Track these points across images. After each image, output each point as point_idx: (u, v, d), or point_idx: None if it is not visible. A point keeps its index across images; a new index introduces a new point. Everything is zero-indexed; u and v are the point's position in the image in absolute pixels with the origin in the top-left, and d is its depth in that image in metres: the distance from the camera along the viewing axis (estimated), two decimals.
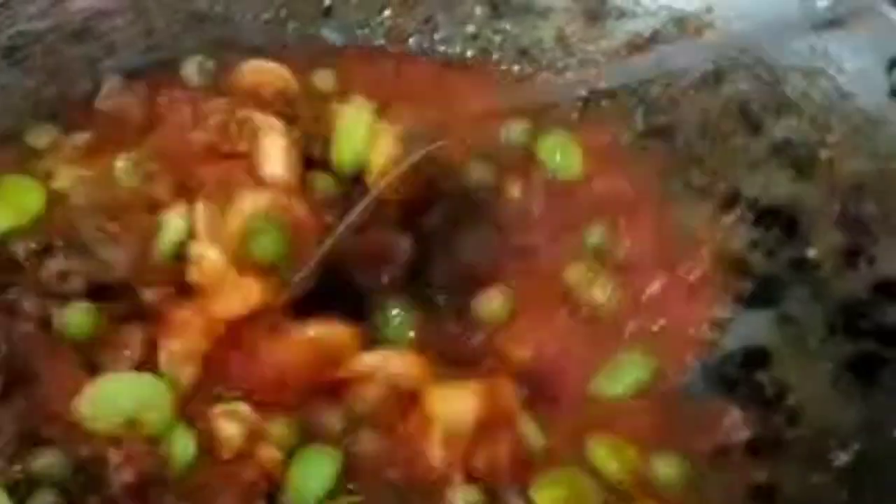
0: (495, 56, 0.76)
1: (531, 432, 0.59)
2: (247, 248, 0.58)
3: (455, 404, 0.58)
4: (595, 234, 0.68)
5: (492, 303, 0.65)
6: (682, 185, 0.70)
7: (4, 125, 0.65)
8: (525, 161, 0.71)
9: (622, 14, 0.73)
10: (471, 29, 0.76)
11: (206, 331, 0.58)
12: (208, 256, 0.58)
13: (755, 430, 0.62)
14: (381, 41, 0.76)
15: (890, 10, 0.64)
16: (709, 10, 0.70)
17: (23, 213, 0.61)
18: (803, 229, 0.66)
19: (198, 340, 0.58)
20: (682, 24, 0.71)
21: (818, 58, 0.66)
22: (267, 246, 0.58)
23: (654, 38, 0.72)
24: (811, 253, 0.65)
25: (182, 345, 0.58)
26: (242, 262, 0.58)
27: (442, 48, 0.76)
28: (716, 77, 0.70)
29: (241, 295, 0.58)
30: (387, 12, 0.76)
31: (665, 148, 0.72)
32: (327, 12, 0.75)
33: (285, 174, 0.60)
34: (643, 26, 0.72)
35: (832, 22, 0.66)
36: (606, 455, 0.59)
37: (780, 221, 0.67)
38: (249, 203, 0.58)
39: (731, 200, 0.69)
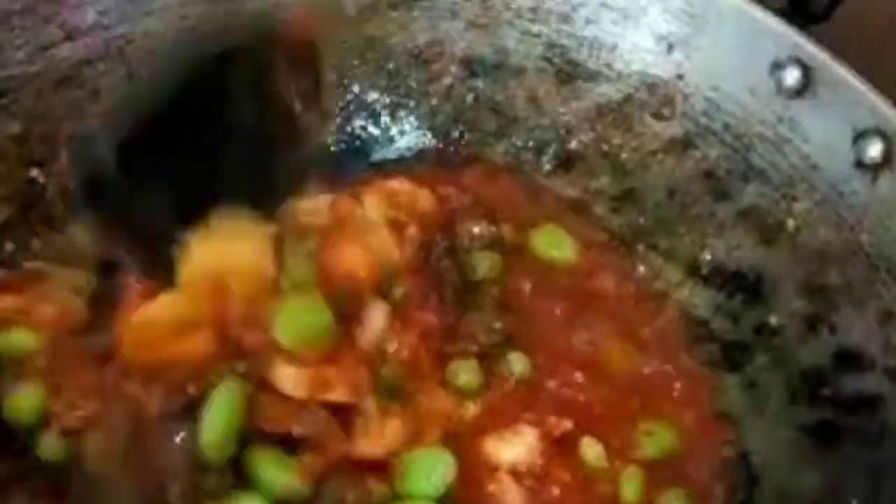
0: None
1: None
2: None
3: None
4: None
5: None
6: (647, 247, 0.72)
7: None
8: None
9: (593, 77, 0.75)
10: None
11: None
12: None
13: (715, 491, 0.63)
14: None
15: (856, 83, 0.65)
16: (680, 76, 0.72)
17: None
18: (767, 295, 0.67)
19: None
20: (654, 90, 0.73)
21: (786, 127, 0.67)
22: None
23: (625, 102, 0.74)
24: (774, 319, 0.66)
25: None
26: None
27: None
28: (684, 143, 0.72)
29: None
30: None
31: (634, 210, 0.73)
32: None
33: None
34: (614, 90, 0.74)
35: (799, 92, 0.67)
36: None
37: (744, 287, 0.68)
38: None
39: (696, 264, 0.70)
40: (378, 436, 0.59)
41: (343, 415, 0.59)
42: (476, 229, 0.71)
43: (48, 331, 0.61)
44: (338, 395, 0.58)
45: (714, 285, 0.69)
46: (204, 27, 0.72)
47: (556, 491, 0.61)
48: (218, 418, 0.55)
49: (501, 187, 0.75)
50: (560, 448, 0.62)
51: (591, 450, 0.62)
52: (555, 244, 0.71)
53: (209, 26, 0.72)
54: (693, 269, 0.70)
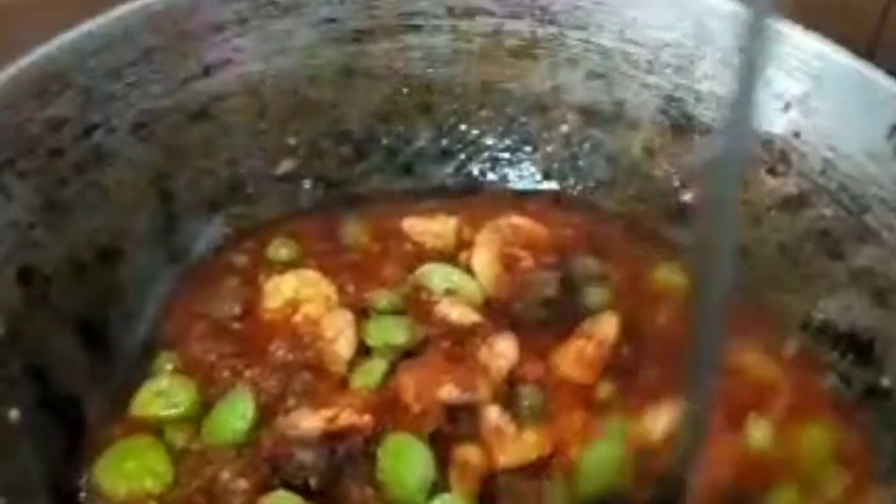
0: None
1: None
2: None
3: None
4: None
5: None
6: (760, 304, 0.72)
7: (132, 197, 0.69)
8: None
9: (708, 130, 0.76)
10: None
11: None
12: None
13: None
14: None
15: None
16: (796, 134, 0.73)
17: None
18: (879, 358, 0.67)
19: None
20: (769, 146, 0.73)
21: None
22: None
23: None
24: (885, 381, 0.67)
25: None
26: None
27: None
28: (799, 200, 0.72)
29: None
30: None
31: (745, 263, 0.74)
32: None
33: None
34: None
35: None
36: None
37: (856, 347, 0.68)
38: None
39: (807, 321, 0.71)
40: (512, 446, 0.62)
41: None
42: (588, 263, 0.73)
43: None
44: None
45: (826, 344, 0.70)
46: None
47: None
48: None
49: (614, 230, 0.77)
50: None
51: None
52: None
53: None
54: (805, 326, 0.70)
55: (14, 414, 0.58)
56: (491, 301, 0.71)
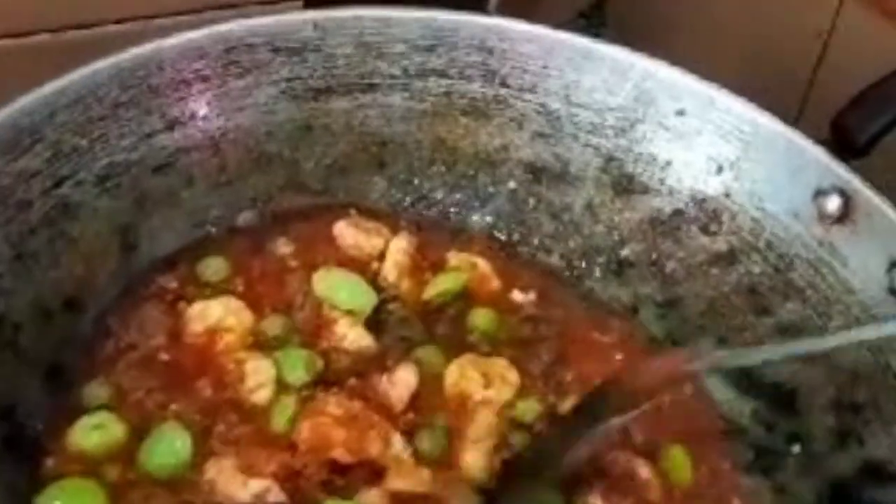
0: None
1: None
2: None
3: None
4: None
5: None
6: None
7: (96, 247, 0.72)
8: None
9: (646, 190, 0.80)
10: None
11: None
12: None
13: None
14: None
15: (892, 214, 0.69)
16: (727, 195, 0.77)
17: None
18: (801, 408, 0.71)
19: None
20: (703, 206, 0.78)
21: (825, 251, 0.72)
22: None
23: (675, 216, 0.79)
24: (806, 430, 0.71)
25: None
26: None
27: None
28: (729, 257, 0.77)
29: None
30: None
31: (678, 317, 0.78)
32: None
33: None
34: (665, 204, 0.79)
35: (839, 219, 0.71)
36: None
37: (779, 397, 0.72)
38: None
39: (735, 372, 0.75)
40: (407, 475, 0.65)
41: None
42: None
43: None
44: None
45: (752, 393, 0.73)
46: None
47: None
48: None
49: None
50: None
51: None
52: None
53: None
54: (732, 377, 0.74)
55: None
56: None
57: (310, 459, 0.64)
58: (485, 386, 0.70)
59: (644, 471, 0.67)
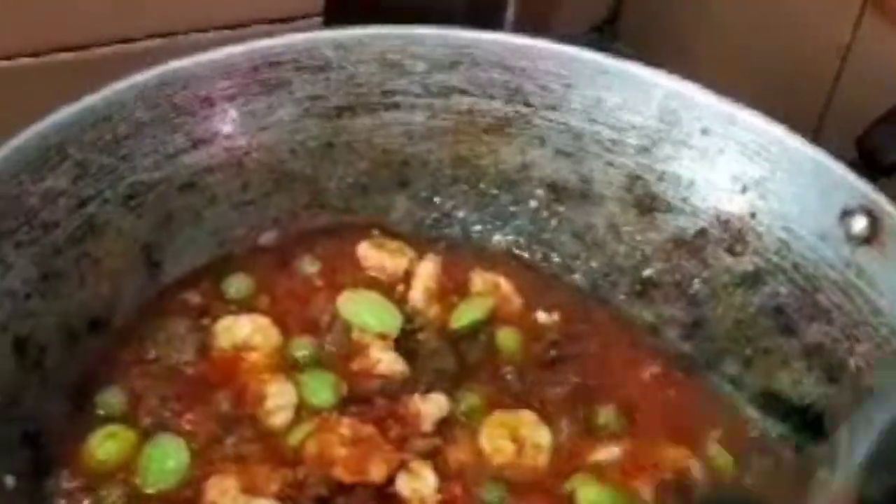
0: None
1: None
2: None
3: None
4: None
5: None
6: (718, 375, 0.76)
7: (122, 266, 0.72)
8: None
9: (670, 209, 0.80)
10: None
11: None
12: None
13: None
14: None
15: None
16: (753, 215, 0.77)
17: None
18: (828, 430, 0.71)
19: None
20: (727, 226, 0.78)
21: (852, 272, 0.72)
22: None
23: (699, 235, 0.79)
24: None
25: None
26: None
27: None
28: (755, 278, 0.76)
29: None
30: None
31: (703, 338, 0.78)
32: None
33: None
34: (689, 223, 0.79)
35: (867, 240, 0.71)
36: None
37: (806, 419, 0.72)
38: None
39: (760, 394, 0.75)
40: None
41: None
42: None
43: None
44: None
45: (778, 415, 0.73)
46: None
47: None
48: None
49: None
50: None
51: None
52: None
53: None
54: (758, 398, 0.74)
55: (10, 480, 0.60)
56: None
57: (311, 473, 0.63)
58: (516, 454, 0.69)
59: None
